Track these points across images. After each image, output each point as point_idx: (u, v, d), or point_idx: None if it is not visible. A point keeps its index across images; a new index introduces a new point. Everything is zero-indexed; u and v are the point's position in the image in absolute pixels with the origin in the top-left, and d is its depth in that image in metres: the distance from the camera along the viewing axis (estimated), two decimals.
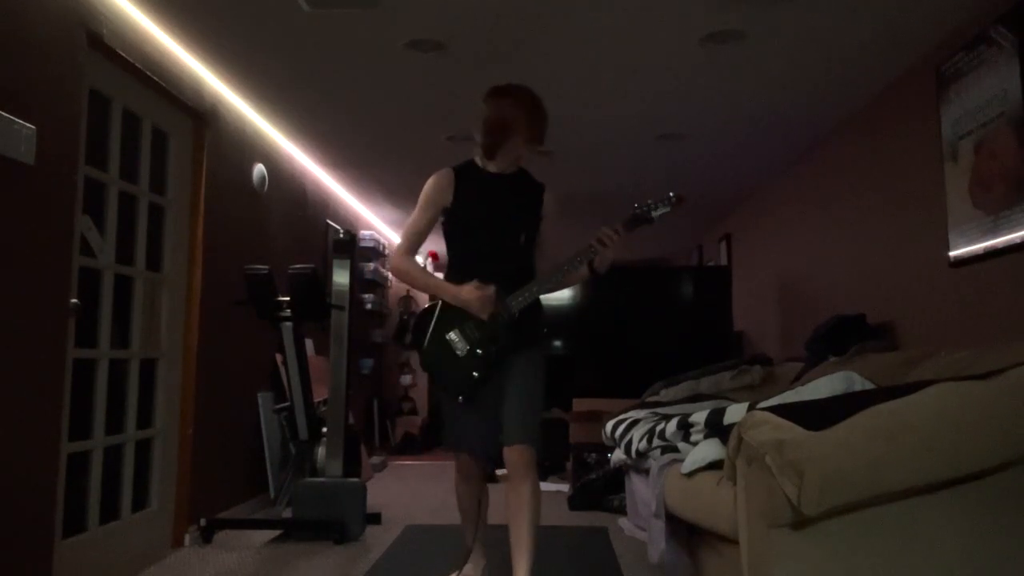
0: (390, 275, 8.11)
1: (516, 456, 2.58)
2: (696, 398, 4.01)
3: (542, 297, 2.73)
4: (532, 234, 2.74)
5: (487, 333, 2.61)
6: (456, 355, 2.63)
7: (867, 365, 3.04)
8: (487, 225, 2.68)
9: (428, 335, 2.69)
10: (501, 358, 2.62)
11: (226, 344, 4.14)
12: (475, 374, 2.61)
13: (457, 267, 2.71)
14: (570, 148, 5.20)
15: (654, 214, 2.63)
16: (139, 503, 3.48)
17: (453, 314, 2.64)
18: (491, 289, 2.57)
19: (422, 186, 2.73)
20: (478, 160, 2.74)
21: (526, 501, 2.58)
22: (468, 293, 2.57)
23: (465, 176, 2.71)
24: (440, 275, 2.77)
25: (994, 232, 3.04)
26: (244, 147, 4.43)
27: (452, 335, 2.64)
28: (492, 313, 2.58)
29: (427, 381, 8.26)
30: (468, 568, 2.92)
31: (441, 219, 2.74)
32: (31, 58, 2.62)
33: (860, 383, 2.47)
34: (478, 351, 2.61)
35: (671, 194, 2.65)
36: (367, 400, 7.51)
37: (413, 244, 2.72)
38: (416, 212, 2.71)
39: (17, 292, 2.56)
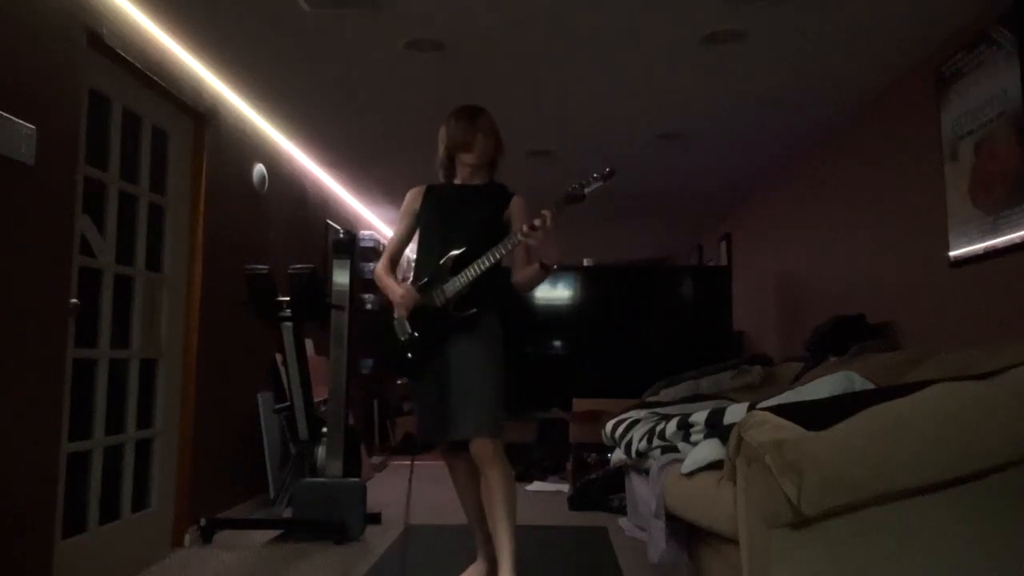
0: None
1: (474, 449, 2.71)
2: (696, 398, 4.00)
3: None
4: (489, 237, 2.84)
5: (419, 319, 2.84)
6: (399, 339, 2.88)
7: (867, 365, 3.03)
8: (435, 227, 2.95)
9: (387, 324, 2.94)
10: (435, 341, 2.80)
11: (226, 344, 4.14)
12: (408, 355, 2.84)
13: (416, 265, 3.01)
14: (570, 148, 5.19)
15: (586, 190, 2.76)
16: (139, 503, 3.48)
17: None
18: (411, 290, 2.85)
19: None
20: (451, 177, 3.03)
21: (493, 489, 2.69)
22: (394, 292, 2.89)
23: (433, 189, 3.04)
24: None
25: (994, 232, 3.04)
26: (244, 147, 4.43)
27: (396, 322, 2.90)
28: (412, 310, 2.84)
29: None
30: (471, 568, 2.91)
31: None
32: (31, 58, 2.62)
33: (860, 383, 2.46)
34: (414, 333, 2.84)
35: (606, 169, 2.75)
36: (367, 400, 7.50)
37: (391, 252, 3.07)
38: (396, 224, 3.07)
39: (17, 292, 2.56)
